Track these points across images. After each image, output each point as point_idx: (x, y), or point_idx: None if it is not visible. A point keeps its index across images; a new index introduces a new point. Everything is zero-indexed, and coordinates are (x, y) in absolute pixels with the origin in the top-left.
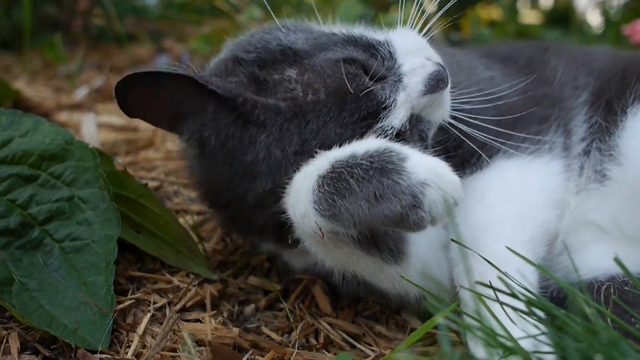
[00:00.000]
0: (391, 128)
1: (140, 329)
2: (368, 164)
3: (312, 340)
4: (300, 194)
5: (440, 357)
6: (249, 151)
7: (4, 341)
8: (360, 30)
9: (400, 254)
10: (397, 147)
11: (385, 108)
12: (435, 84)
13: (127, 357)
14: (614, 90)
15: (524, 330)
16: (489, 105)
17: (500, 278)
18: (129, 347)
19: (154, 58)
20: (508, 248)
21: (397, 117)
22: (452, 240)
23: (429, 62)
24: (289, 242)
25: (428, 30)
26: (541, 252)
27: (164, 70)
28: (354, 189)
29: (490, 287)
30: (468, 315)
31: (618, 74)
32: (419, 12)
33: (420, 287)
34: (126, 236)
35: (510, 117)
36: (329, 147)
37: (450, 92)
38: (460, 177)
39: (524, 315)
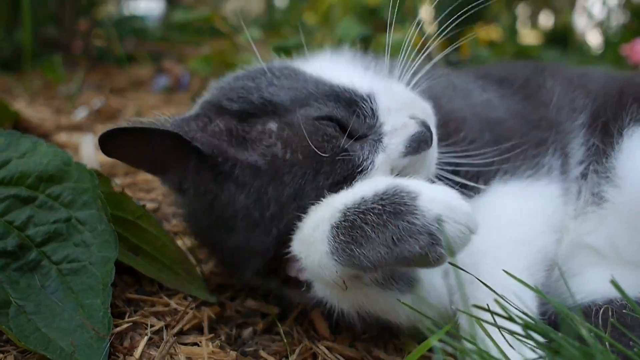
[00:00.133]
0: None
1: (138, 352)
2: (380, 207)
3: None
4: (314, 244)
5: None
6: (228, 208)
7: None
8: (346, 76)
9: (414, 282)
10: (406, 184)
11: (361, 171)
12: (417, 145)
13: None
14: (610, 112)
15: (521, 354)
16: (485, 129)
17: (496, 301)
18: None
19: (154, 78)
20: (506, 272)
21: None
22: (450, 263)
23: (412, 122)
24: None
25: (426, 51)
26: (540, 277)
27: (149, 126)
28: (370, 235)
29: (488, 310)
30: (465, 339)
31: (614, 96)
32: (417, 34)
33: (426, 316)
34: (124, 258)
35: (507, 141)
36: (305, 211)
37: (442, 147)
38: None
39: (521, 339)
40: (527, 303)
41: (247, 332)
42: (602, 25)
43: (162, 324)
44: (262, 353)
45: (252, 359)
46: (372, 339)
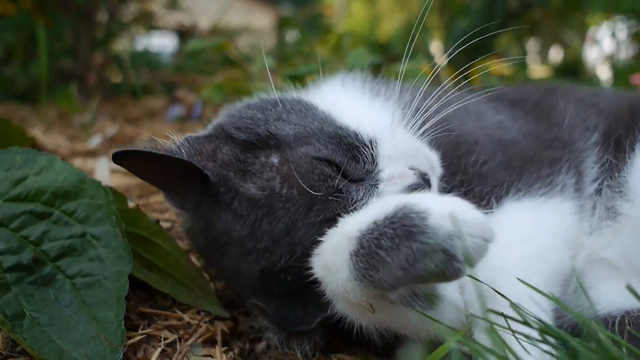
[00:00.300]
0: None
1: None
2: (392, 231)
3: None
4: (337, 272)
5: None
6: (223, 235)
7: None
8: (354, 114)
9: (434, 299)
10: (414, 202)
11: (352, 211)
12: None
13: None
14: (622, 129)
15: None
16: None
17: (513, 306)
18: None
19: (167, 109)
20: (521, 281)
21: None
22: (469, 275)
23: (411, 172)
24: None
25: (435, 74)
26: (555, 292)
27: (165, 153)
28: (386, 260)
29: (504, 315)
30: (481, 345)
31: (626, 113)
32: (427, 65)
33: (447, 325)
34: (137, 274)
35: (520, 161)
36: (297, 245)
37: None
38: None
39: (537, 344)
40: (543, 317)
41: (260, 346)
42: (612, 58)
43: (175, 336)
44: None
45: None
46: (387, 352)
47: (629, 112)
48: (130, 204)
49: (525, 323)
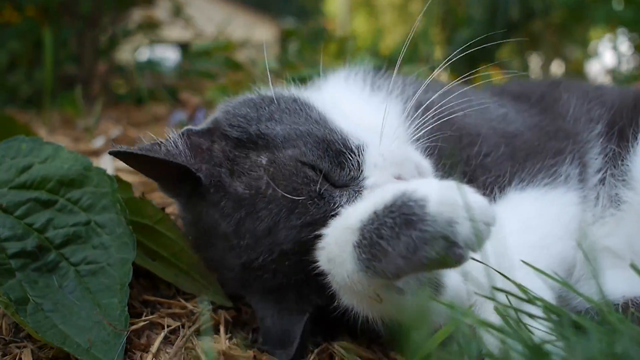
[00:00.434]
0: None
1: (154, 348)
2: (391, 220)
3: None
4: (342, 264)
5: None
6: (210, 230)
7: (17, 359)
8: (350, 115)
9: (440, 287)
10: (412, 189)
11: (334, 216)
12: None
13: None
14: (626, 118)
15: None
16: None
17: (517, 285)
18: None
19: (171, 115)
20: (525, 262)
21: None
22: (474, 259)
23: (395, 182)
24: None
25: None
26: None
27: (162, 157)
28: (387, 250)
29: (508, 292)
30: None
31: (630, 103)
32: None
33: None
34: (141, 262)
35: (524, 152)
36: (277, 245)
37: None
38: None
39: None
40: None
41: None
42: (614, 72)
43: (178, 323)
44: None
45: (270, 357)
46: (389, 341)
47: (634, 102)
48: None
49: (530, 301)
